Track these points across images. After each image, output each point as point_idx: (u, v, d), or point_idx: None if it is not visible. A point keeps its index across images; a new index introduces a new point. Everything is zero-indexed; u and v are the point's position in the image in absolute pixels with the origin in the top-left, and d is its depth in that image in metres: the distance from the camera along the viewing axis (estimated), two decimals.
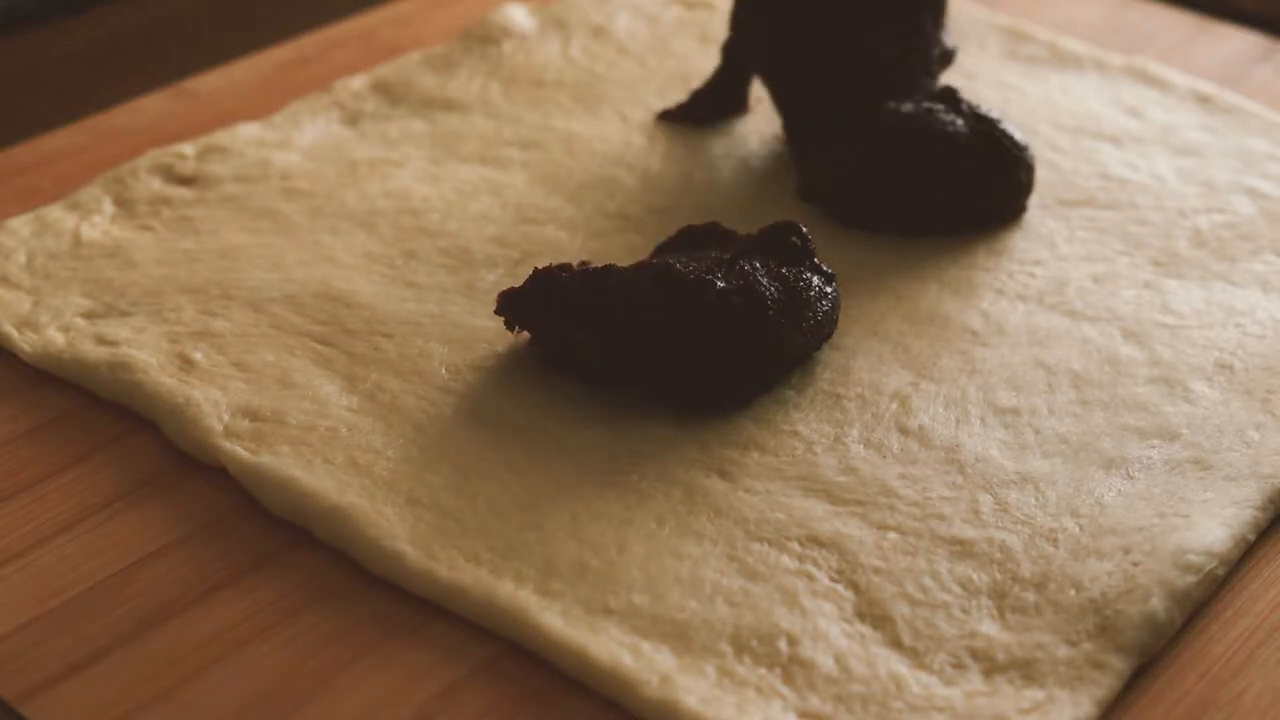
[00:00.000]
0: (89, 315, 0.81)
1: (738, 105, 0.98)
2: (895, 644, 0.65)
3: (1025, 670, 0.64)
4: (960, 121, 0.87)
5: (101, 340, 0.78)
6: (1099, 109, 1.01)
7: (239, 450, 0.72)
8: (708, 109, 0.98)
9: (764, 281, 0.75)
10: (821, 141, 0.90)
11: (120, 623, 0.65)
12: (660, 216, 0.89)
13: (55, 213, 0.88)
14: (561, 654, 0.63)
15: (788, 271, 0.77)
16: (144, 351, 0.77)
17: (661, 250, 0.81)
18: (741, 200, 0.91)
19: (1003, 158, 0.88)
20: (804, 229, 0.79)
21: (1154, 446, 0.74)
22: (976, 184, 0.88)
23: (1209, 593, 0.68)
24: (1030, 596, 0.67)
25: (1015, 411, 0.76)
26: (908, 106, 0.88)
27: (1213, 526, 0.69)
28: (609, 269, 0.76)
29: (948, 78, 0.96)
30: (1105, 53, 1.07)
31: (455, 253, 0.86)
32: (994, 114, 0.89)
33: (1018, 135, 0.89)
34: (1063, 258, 0.87)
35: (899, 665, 0.64)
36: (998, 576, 0.67)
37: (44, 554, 0.69)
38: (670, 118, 0.99)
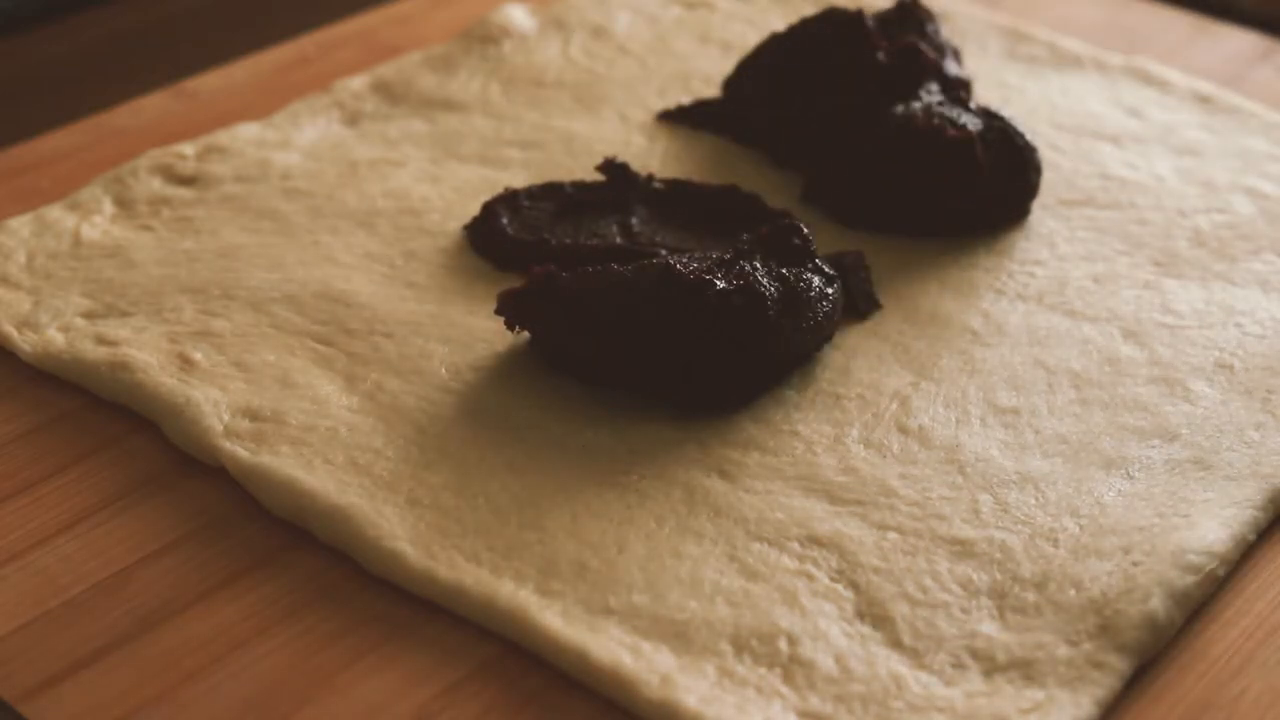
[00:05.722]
0: (89, 315, 0.80)
1: (740, 132, 0.97)
2: (895, 644, 0.65)
3: (1025, 670, 0.63)
4: (970, 124, 0.87)
5: (101, 340, 0.78)
6: (1099, 109, 1.01)
7: (239, 450, 0.72)
8: (708, 120, 0.97)
9: (764, 281, 0.75)
10: (823, 143, 0.90)
11: (120, 623, 0.65)
12: None
13: (55, 213, 0.87)
14: (561, 654, 0.63)
15: (788, 271, 0.77)
16: (144, 351, 0.77)
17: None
18: None
19: (1014, 159, 0.88)
20: (805, 229, 0.79)
21: (1154, 446, 0.74)
22: (986, 188, 0.87)
23: (1209, 593, 0.68)
24: (1030, 596, 0.66)
25: (1015, 411, 0.76)
26: (916, 109, 0.88)
27: (1213, 526, 0.69)
28: (609, 269, 0.76)
29: None
30: (1105, 53, 1.07)
31: (455, 253, 0.86)
32: (1005, 113, 0.89)
33: (1026, 137, 0.88)
34: (1063, 258, 0.87)
35: (899, 665, 0.64)
36: (998, 576, 0.67)
37: (44, 554, 0.69)
38: (670, 118, 0.98)
